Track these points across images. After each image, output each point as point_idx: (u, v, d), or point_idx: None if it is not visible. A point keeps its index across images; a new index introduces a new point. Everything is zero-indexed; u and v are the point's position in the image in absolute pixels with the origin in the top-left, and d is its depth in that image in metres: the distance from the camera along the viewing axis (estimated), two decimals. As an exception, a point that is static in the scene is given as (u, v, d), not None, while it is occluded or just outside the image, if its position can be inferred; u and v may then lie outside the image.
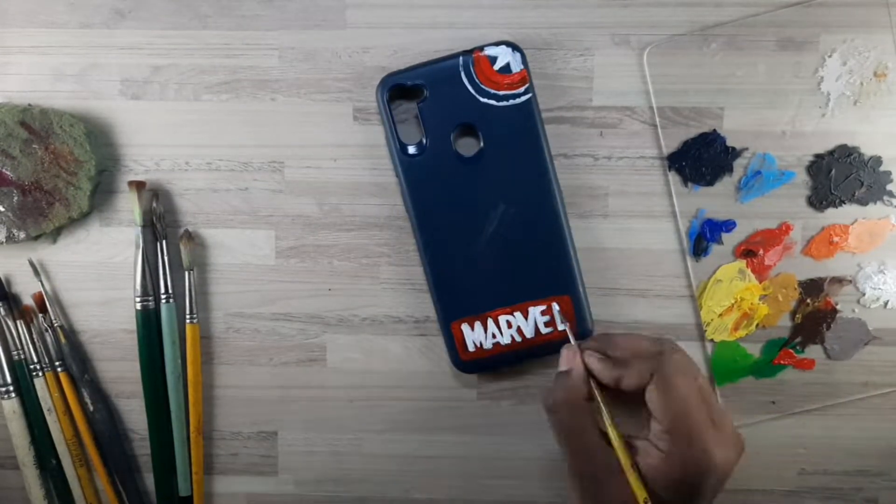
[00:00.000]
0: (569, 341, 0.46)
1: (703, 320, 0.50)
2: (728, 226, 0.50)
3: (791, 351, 0.50)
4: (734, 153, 0.50)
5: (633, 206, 0.50)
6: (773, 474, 0.52)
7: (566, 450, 0.43)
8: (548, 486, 0.52)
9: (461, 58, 0.48)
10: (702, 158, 0.50)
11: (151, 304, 0.50)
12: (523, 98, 0.48)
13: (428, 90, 0.48)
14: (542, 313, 0.49)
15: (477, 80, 0.48)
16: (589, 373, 0.44)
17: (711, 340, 0.51)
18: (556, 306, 0.49)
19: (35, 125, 0.49)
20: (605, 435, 0.43)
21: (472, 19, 0.50)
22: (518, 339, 0.49)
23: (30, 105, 0.49)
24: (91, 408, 0.51)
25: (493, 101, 0.48)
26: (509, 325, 0.49)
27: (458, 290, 0.49)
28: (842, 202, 0.50)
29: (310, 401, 0.52)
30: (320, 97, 0.50)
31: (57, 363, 0.51)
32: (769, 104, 0.50)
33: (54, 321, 0.51)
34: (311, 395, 0.52)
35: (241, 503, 0.53)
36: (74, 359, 0.51)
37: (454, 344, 0.49)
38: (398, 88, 0.48)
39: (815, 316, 0.50)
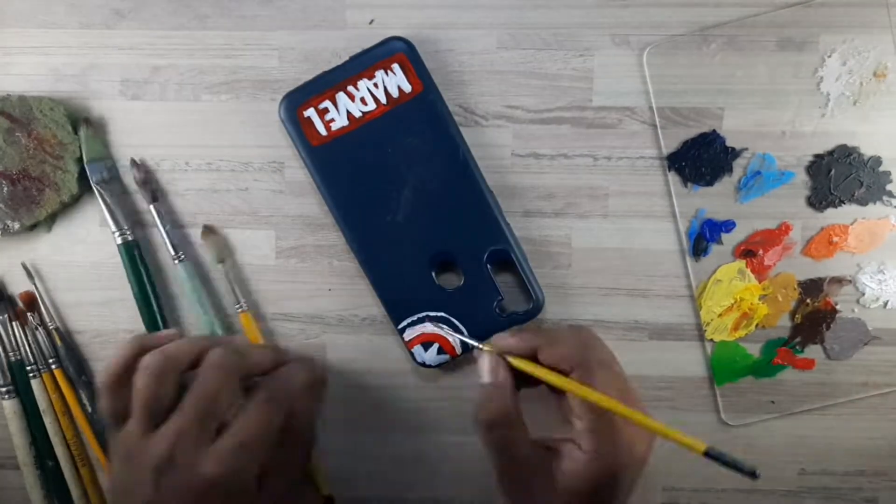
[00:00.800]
0: (480, 348, 0.44)
1: (703, 320, 0.50)
2: (728, 226, 0.50)
3: (790, 351, 0.51)
4: (734, 153, 0.50)
5: (632, 207, 0.50)
6: (773, 474, 0.52)
7: (503, 463, 0.41)
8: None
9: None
10: (701, 159, 0.50)
11: (130, 238, 0.50)
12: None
13: None
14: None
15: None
16: (510, 368, 0.43)
17: (711, 340, 0.51)
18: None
19: (15, 113, 0.49)
20: (534, 441, 0.42)
21: (472, 19, 0.50)
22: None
23: (8, 94, 0.49)
24: (89, 409, 0.51)
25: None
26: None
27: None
28: (841, 202, 0.50)
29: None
30: (320, 97, 0.50)
31: (52, 363, 0.51)
32: (769, 104, 0.50)
33: (48, 322, 0.51)
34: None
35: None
36: (71, 360, 0.51)
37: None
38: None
39: (814, 316, 0.50)
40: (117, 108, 0.51)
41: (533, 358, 0.42)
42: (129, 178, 0.51)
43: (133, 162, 0.50)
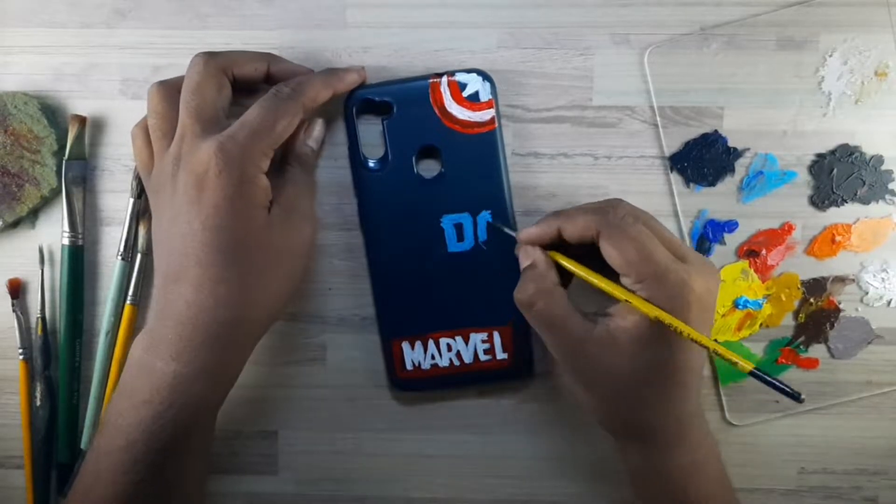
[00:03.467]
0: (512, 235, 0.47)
1: (705, 320, 0.50)
2: (730, 226, 0.50)
3: (794, 350, 0.50)
4: (736, 153, 0.50)
5: (633, 206, 0.50)
6: (773, 473, 0.51)
7: (552, 338, 0.44)
8: (548, 486, 0.52)
9: (431, 80, 0.48)
10: (703, 159, 0.50)
11: (80, 242, 0.50)
12: (488, 128, 0.48)
13: (396, 108, 0.48)
14: (483, 341, 0.49)
15: (444, 105, 0.48)
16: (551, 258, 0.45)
17: (715, 340, 0.50)
18: (497, 336, 0.49)
19: None
20: (584, 314, 0.43)
21: (472, 19, 0.50)
22: (456, 363, 0.49)
23: None
24: (38, 403, 0.51)
25: (457, 127, 0.48)
26: (449, 348, 0.49)
27: (401, 308, 0.49)
28: (844, 201, 0.49)
29: (310, 401, 0.52)
30: (320, 97, 0.50)
31: (21, 354, 0.51)
32: (770, 104, 0.49)
33: (39, 312, 0.51)
34: (311, 394, 0.52)
35: (241, 503, 0.53)
36: (43, 352, 0.51)
37: (392, 361, 0.50)
38: (367, 103, 0.48)
39: (818, 315, 0.50)
40: (117, 107, 0.51)
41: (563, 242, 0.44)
42: (103, 182, 0.51)
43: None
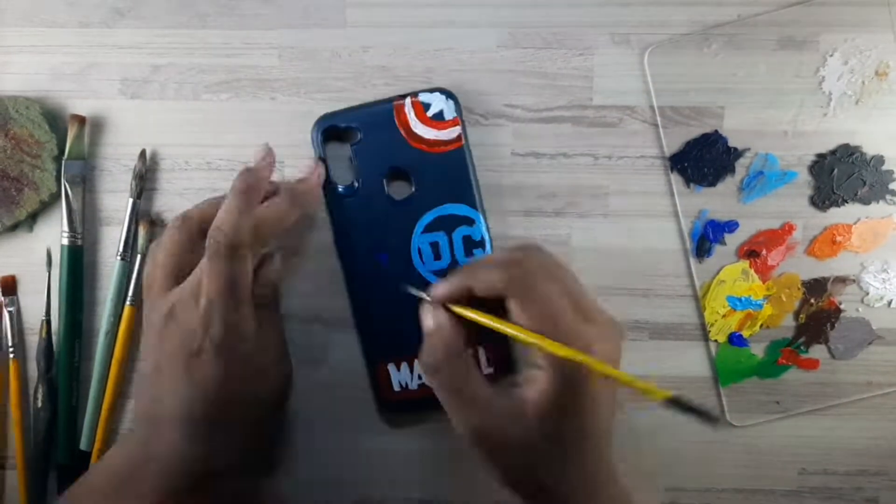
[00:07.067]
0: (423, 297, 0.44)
1: (707, 321, 0.50)
2: (731, 226, 0.50)
3: (795, 351, 0.50)
4: (736, 154, 0.49)
5: (633, 206, 0.50)
6: (774, 474, 0.51)
7: (455, 406, 0.41)
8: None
9: (394, 102, 0.48)
10: (704, 159, 0.50)
11: (79, 242, 0.50)
12: (455, 145, 0.48)
13: (361, 133, 0.48)
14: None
15: (409, 126, 0.48)
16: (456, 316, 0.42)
17: (715, 341, 0.50)
18: (482, 352, 0.49)
19: None
20: (489, 382, 0.41)
21: (472, 19, 0.50)
22: None
23: None
24: (39, 405, 0.51)
25: (424, 147, 0.48)
26: None
27: (384, 332, 0.49)
28: (844, 202, 0.49)
29: (310, 401, 0.51)
30: (320, 97, 0.50)
31: (11, 352, 0.51)
32: (770, 104, 0.49)
33: (43, 315, 0.51)
34: (311, 394, 0.51)
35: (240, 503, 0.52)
36: (46, 355, 0.50)
37: (378, 383, 0.50)
38: (332, 130, 0.49)
39: (818, 316, 0.50)
40: (117, 107, 0.50)
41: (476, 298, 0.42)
42: (102, 182, 0.51)
43: (143, 153, 0.50)
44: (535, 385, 0.39)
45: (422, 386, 0.49)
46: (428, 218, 0.49)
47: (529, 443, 0.40)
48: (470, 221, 0.49)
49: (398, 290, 0.47)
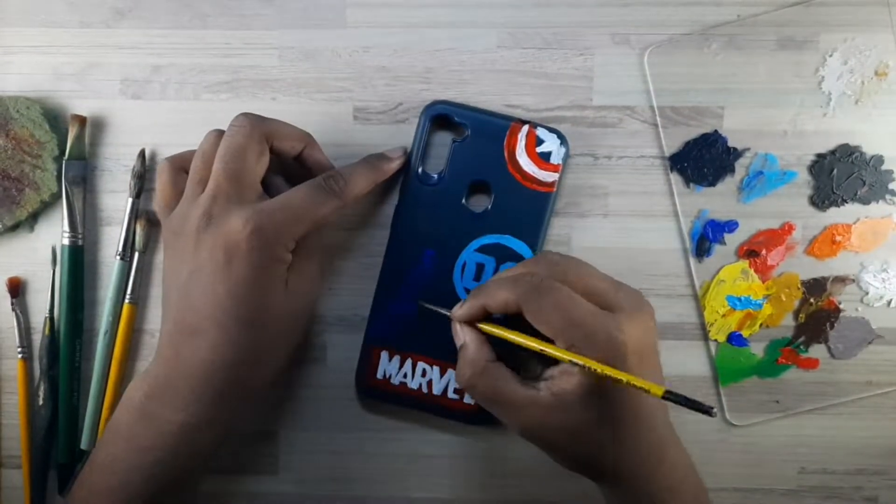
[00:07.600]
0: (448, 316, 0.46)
1: (707, 321, 0.50)
2: (730, 226, 0.50)
3: (795, 350, 0.50)
4: (736, 154, 0.49)
5: (633, 206, 0.50)
6: (774, 473, 0.51)
7: (500, 412, 0.43)
8: (549, 486, 0.52)
9: (512, 122, 0.48)
10: (703, 159, 0.50)
11: (79, 242, 0.50)
12: (547, 189, 0.49)
13: (469, 134, 0.48)
14: None
15: (515, 151, 0.48)
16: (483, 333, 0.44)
17: (715, 341, 0.50)
18: None
19: None
20: (524, 382, 0.42)
21: (472, 19, 0.50)
22: (425, 390, 0.50)
23: None
24: (41, 402, 0.51)
25: (518, 177, 0.48)
26: (424, 373, 0.50)
27: (394, 319, 0.50)
28: (844, 201, 0.49)
29: (310, 401, 0.52)
30: (320, 97, 0.50)
31: (20, 353, 0.51)
32: (770, 104, 0.49)
33: (46, 312, 0.51)
34: (311, 394, 0.52)
35: (241, 503, 0.53)
36: (49, 352, 0.50)
37: (366, 366, 0.50)
38: (443, 118, 0.49)
39: (818, 315, 0.50)
40: (117, 107, 0.51)
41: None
42: (103, 182, 0.51)
43: (142, 153, 0.50)
44: (571, 376, 0.40)
45: (402, 384, 0.50)
46: (487, 240, 0.49)
47: (578, 430, 0.41)
48: (521, 259, 0.49)
49: (418, 307, 0.48)
